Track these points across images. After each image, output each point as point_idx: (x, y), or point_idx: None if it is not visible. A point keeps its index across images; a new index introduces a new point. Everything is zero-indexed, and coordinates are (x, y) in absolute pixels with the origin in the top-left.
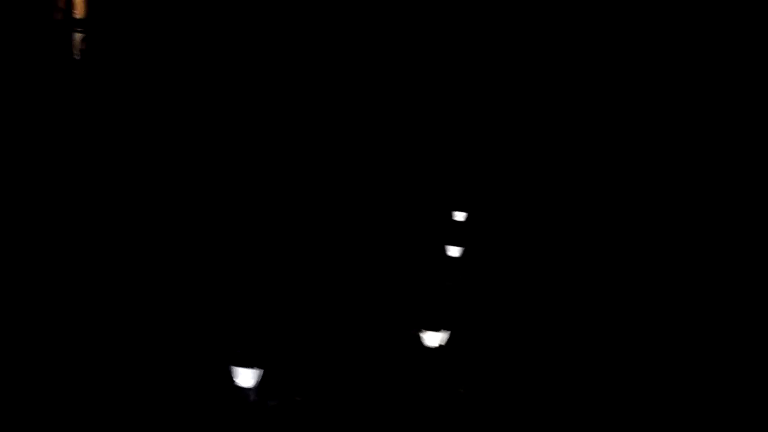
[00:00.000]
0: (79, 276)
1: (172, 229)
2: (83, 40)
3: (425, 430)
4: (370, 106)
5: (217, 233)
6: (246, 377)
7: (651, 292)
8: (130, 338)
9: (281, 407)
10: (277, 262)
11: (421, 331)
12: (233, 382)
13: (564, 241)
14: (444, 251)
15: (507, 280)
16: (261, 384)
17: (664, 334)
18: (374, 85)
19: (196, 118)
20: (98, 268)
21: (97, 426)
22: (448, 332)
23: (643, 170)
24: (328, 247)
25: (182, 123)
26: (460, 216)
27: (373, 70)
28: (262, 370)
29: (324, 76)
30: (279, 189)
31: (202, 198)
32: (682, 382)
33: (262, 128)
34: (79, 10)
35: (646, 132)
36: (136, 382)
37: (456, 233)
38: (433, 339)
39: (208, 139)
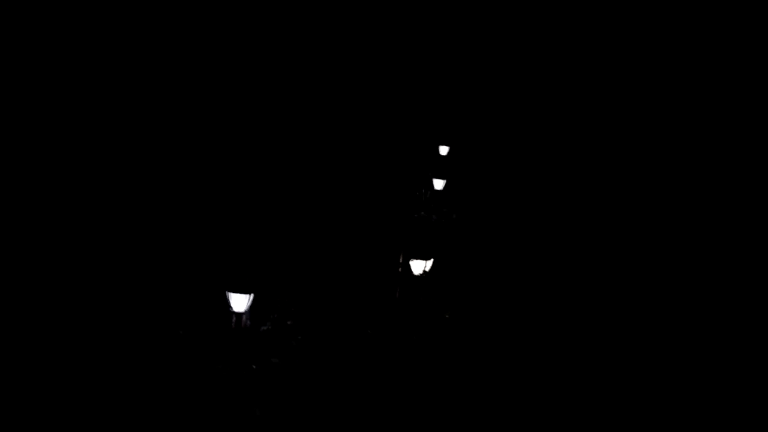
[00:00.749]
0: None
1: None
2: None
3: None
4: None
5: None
6: (239, 302)
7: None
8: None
9: (273, 331)
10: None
11: (408, 260)
12: (228, 306)
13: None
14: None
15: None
16: (253, 308)
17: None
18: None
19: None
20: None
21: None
22: (431, 260)
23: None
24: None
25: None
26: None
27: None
28: (253, 295)
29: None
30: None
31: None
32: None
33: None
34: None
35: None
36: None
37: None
38: (417, 266)
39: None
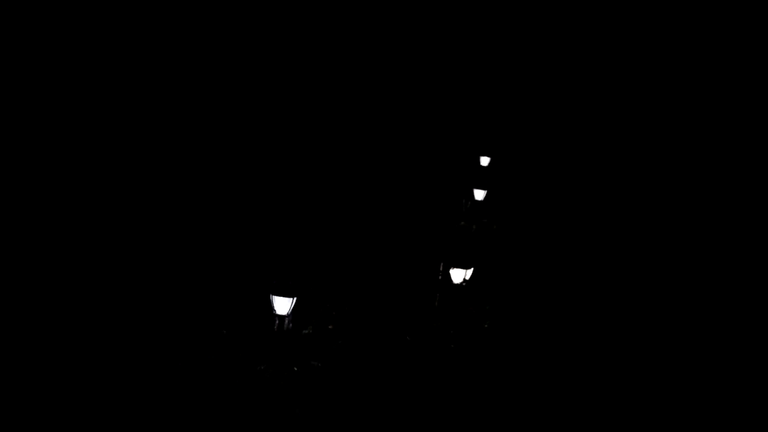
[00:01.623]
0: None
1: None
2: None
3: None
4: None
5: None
6: (282, 305)
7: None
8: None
9: (315, 335)
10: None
11: (447, 269)
12: (271, 309)
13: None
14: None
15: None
16: (295, 312)
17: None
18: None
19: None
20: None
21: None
22: (471, 269)
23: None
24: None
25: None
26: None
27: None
28: (295, 299)
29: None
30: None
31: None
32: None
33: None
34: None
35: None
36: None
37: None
38: (458, 275)
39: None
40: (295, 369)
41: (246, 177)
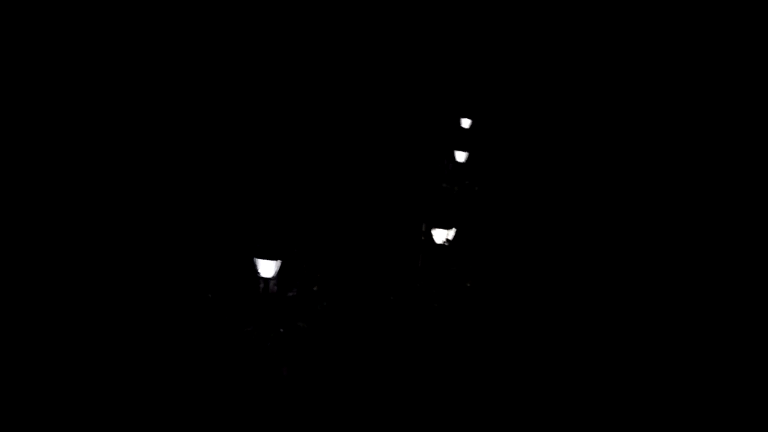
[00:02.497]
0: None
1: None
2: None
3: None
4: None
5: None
6: (267, 268)
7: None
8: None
9: (300, 297)
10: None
11: (430, 228)
12: (256, 272)
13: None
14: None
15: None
16: (280, 274)
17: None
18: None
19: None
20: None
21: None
22: (453, 230)
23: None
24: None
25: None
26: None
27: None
28: (280, 261)
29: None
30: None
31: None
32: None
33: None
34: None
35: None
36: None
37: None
38: (440, 236)
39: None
40: (281, 330)
41: (229, 143)
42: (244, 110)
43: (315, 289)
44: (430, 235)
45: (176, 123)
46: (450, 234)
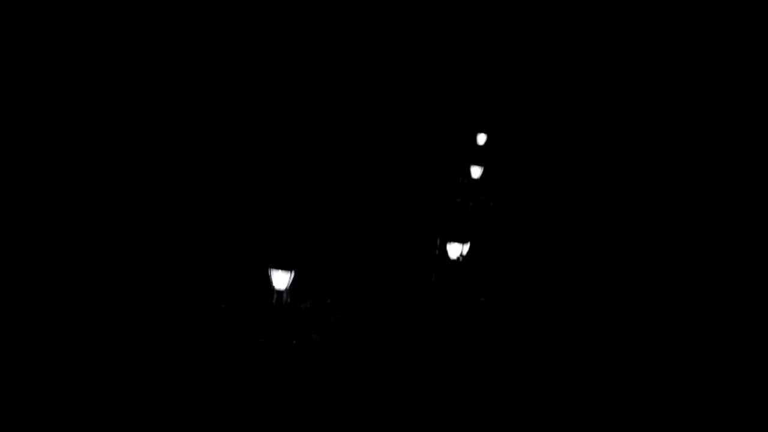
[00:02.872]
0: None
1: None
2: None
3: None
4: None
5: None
6: (280, 279)
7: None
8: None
9: (313, 309)
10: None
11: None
12: (269, 284)
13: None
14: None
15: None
16: (294, 286)
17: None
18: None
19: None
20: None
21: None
22: (467, 244)
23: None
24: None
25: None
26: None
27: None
28: (293, 273)
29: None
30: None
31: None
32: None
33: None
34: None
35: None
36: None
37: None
38: (454, 251)
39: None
40: (294, 342)
41: (243, 154)
42: (262, 123)
43: (328, 301)
44: (445, 250)
45: (193, 133)
46: (464, 249)
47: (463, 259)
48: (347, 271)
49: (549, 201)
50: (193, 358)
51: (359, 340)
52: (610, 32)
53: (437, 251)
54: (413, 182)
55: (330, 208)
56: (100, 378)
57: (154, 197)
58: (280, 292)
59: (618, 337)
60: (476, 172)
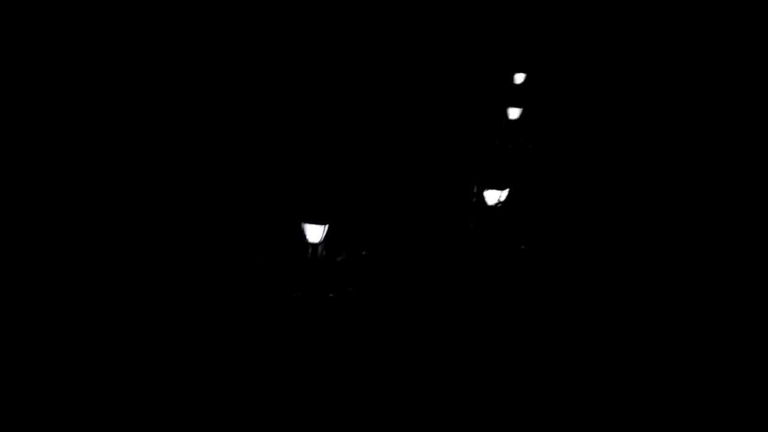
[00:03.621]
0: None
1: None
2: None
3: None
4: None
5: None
6: (314, 233)
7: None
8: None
9: (348, 261)
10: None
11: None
12: (304, 237)
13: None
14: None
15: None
16: (328, 239)
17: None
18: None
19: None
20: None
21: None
22: (506, 190)
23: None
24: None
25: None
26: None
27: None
28: (327, 226)
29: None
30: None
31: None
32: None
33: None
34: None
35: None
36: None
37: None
38: (492, 197)
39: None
40: (331, 295)
41: (277, 108)
42: (287, 88)
43: (364, 253)
44: (482, 196)
45: (219, 102)
46: (503, 195)
47: (501, 206)
48: (383, 221)
49: (589, 144)
50: (230, 313)
51: (397, 293)
52: None
53: (475, 198)
54: (449, 126)
55: (364, 155)
56: (147, 322)
57: (187, 158)
58: (314, 246)
59: (653, 297)
60: (514, 113)
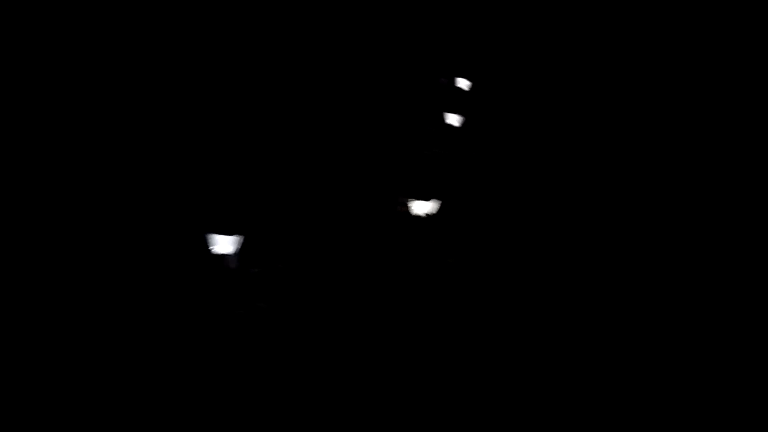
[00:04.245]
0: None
1: None
2: None
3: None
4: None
5: None
6: (225, 244)
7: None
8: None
9: (263, 275)
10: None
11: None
12: (212, 249)
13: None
14: None
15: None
16: (242, 251)
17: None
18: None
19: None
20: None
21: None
22: (435, 200)
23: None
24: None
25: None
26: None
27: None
28: (242, 237)
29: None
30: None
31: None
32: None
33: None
34: None
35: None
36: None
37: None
38: (420, 207)
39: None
40: (240, 312)
41: (194, 112)
42: (203, 78)
43: (280, 266)
44: (410, 206)
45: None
46: (431, 205)
47: (429, 217)
48: (300, 232)
49: (528, 150)
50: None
51: (312, 308)
52: None
53: (401, 207)
54: (373, 130)
55: (279, 162)
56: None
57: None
58: (225, 257)
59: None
60: (452, 119)
